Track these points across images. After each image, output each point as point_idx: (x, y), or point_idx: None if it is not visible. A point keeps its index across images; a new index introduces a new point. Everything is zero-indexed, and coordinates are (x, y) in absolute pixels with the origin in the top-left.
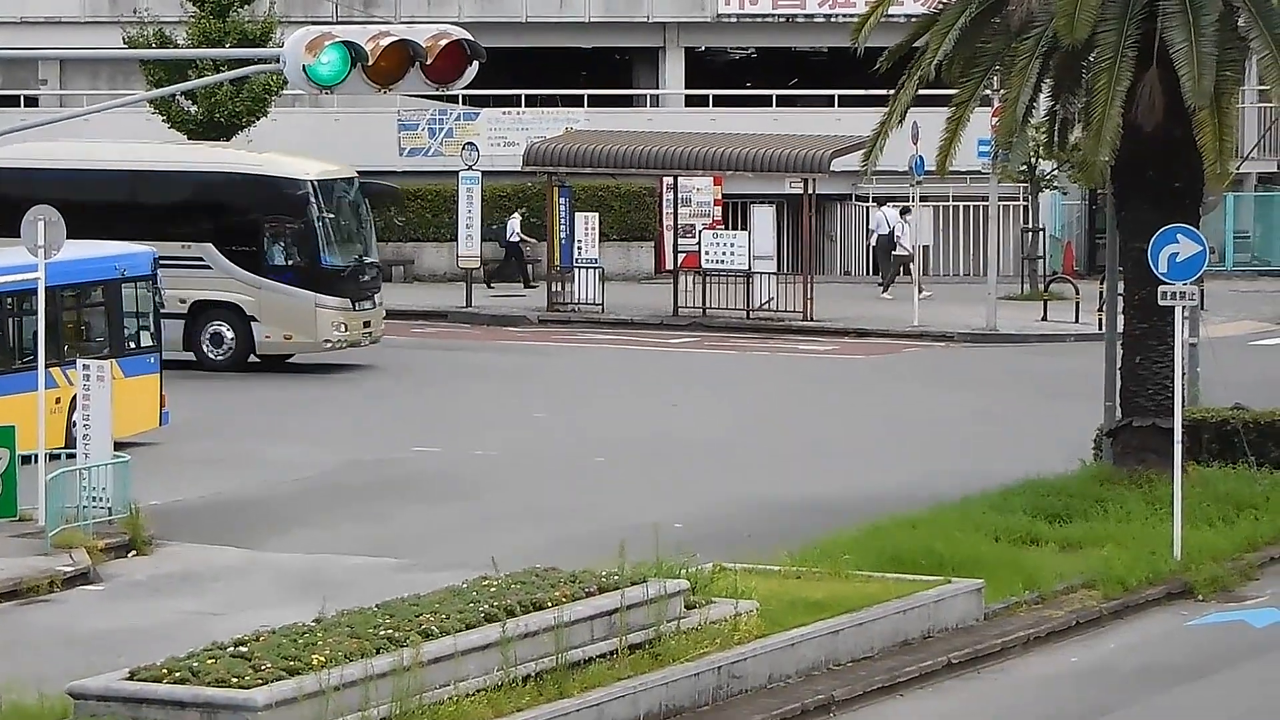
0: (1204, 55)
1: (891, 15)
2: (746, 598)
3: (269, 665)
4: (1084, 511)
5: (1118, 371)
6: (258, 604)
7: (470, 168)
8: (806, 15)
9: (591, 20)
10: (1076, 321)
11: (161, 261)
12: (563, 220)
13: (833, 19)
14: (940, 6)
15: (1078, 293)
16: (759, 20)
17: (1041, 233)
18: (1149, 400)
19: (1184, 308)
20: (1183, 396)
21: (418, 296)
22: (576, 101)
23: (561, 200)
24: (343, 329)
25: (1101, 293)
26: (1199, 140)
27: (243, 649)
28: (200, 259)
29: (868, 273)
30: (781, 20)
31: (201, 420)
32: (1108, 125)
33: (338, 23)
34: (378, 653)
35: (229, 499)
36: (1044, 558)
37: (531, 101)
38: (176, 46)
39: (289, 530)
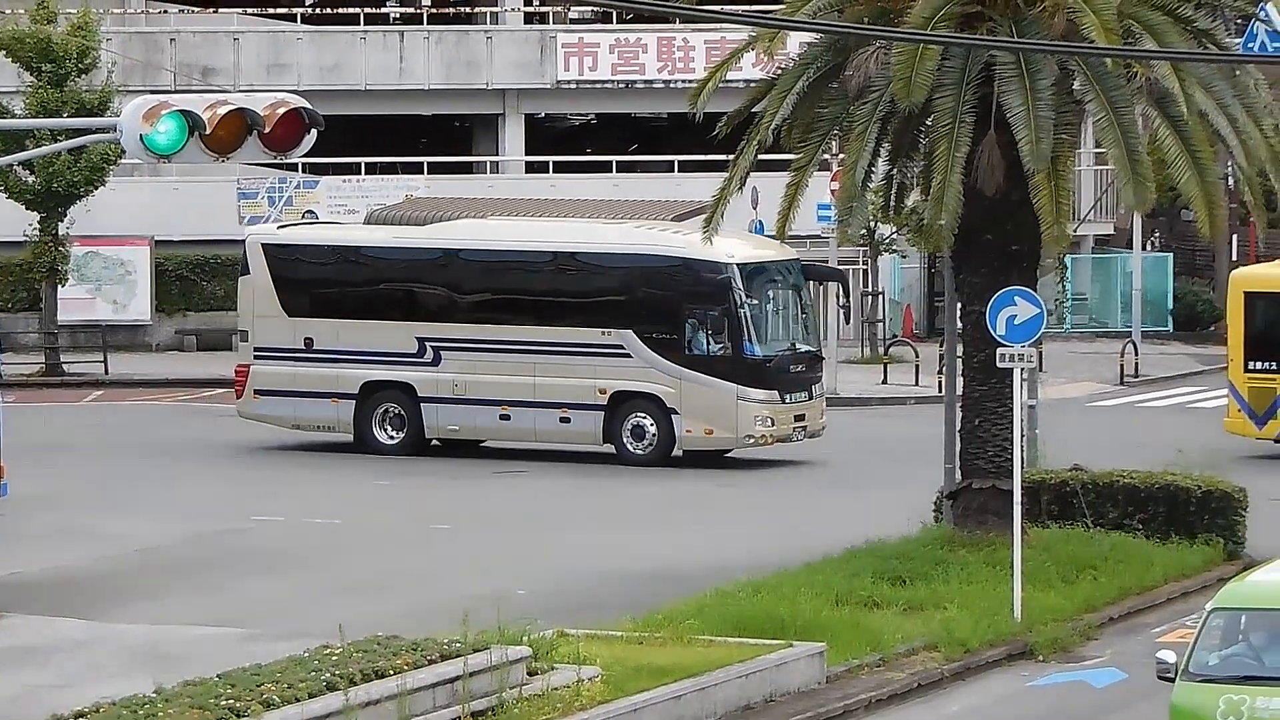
0: (1041, 119)
1: (730, 80)
2: (589, 664)
3: None
4: (925, 574)
5: (957, 434)
6: (99, 676)
7: None
8: (645, 81)
9: (431, 87)
10: (916, 384)
11: (579, 349)
12: None
13: (672, 84)
14: (778, 72)
15: (917, 356)
16: (598, 86)
17: (881, 296)
18: (988, 462)
19: (1022, 370)
20: (1022, 458)
21: None
22: (416, 169)
23: None
24: (768, 423)
25: (941, 355)
26: (1036, 203)
27: None
28: (620, 346)
29: None
30: (621, 86)
31: (38, 493)
32: (949, 191)
33: (175, 91)
34: None
35: (70, 571)
36: (886, 620)
37: (371, 169)
38: (14, 116)
39: (131, 602)
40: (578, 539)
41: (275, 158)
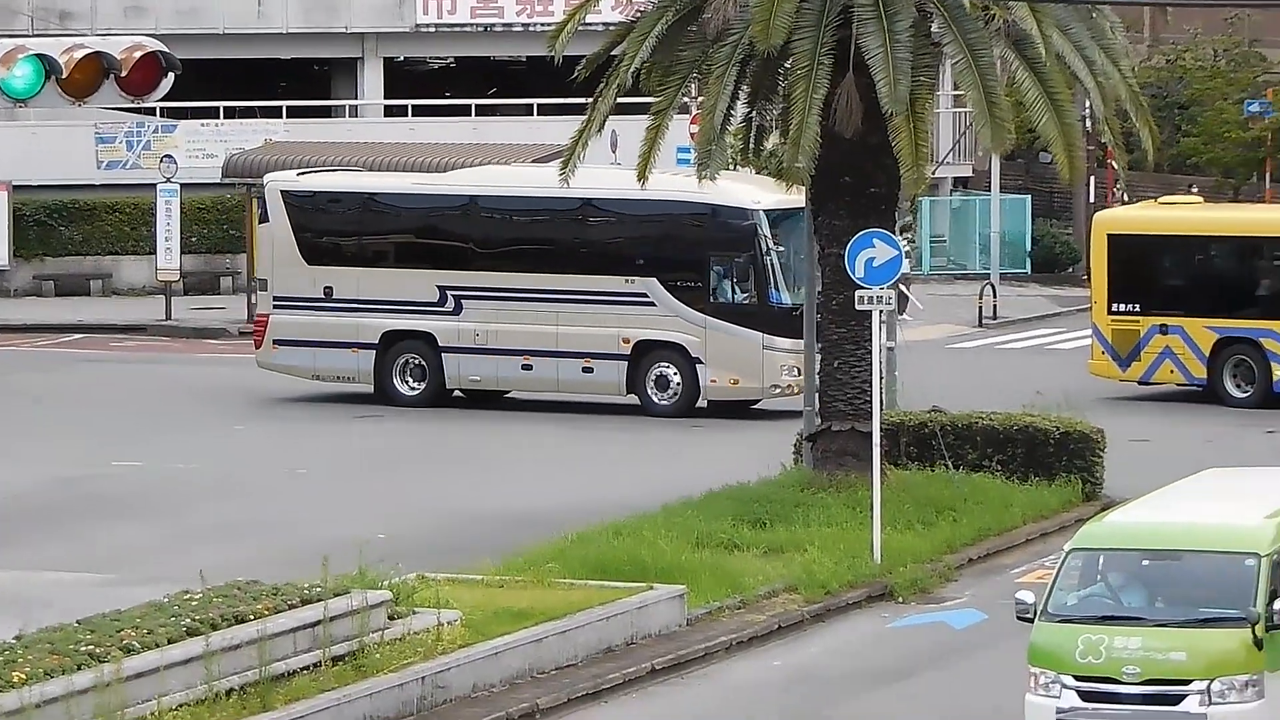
0: (899, 61)
1: (589, 23)
2: (450, 608)
3: None
4: (785, 516)
5: (816, 376)
6: None
7: (169, 180)
8: (505, 24)
9: (290, 31)
10: None
11: (602, 297)
12: None
13: (531, 28)
14: (637, 14)
15: None
16: (457, 30)
17: None
18: (848, 405)
19: (881, 312)
20: (881, 400)
21: (117, 310)
22: (275, 113)
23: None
24: (794, 373)
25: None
26: (895, 145)
27: None
28: (644, 295)
29: None
30: (480, 29)
31: None
32: (806, 133)
33: (32, 35)
34: (79, 669)
35: None
36: (747, 563)
37: (230, 113)
38: None
39: None
40: (438, 483)
41: (133, 102)
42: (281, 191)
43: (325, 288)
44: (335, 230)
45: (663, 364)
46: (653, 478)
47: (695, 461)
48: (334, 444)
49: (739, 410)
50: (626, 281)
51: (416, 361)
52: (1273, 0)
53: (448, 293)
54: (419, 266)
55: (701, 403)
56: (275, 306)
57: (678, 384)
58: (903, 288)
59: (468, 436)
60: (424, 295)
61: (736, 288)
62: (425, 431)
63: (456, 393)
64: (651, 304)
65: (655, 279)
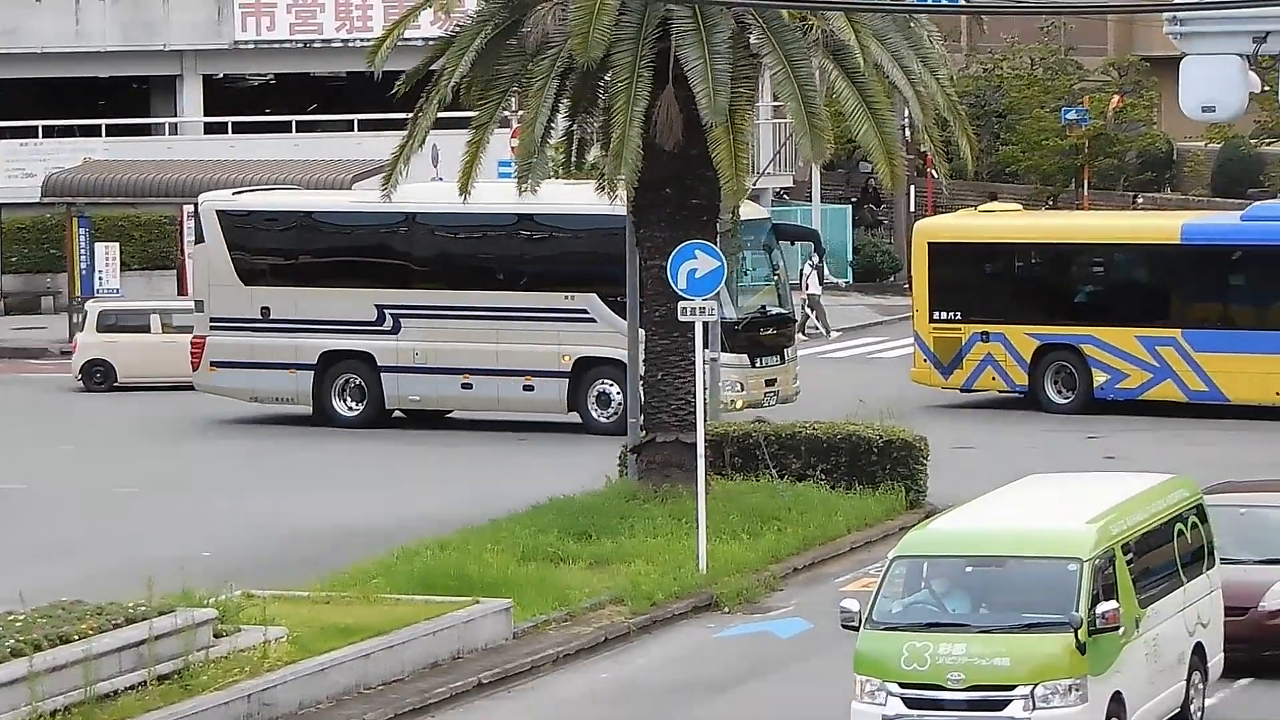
0: (718, 73)
1: (409, 39)
2: (276, 625)
3: None
4: (611, 528)
5: (640, 388)
6: None
7: None
8: (324, 40)
9: (108, 49)
10: None
11: (542, 314)
12: (83, 250)
13: (350, 43)
14: (457, 29)
15: None
16: (276, 46)
17: None
18: (672, 416)
19: (704, 323)
20: (705, 411)
21: None
22: (95, 131)
23: (81, 230)
24: (738, 388)
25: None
26: (715, 156)
27: None
28: (584, 311)
29: None
30: (299, 45)
31: None
32: (628, 145)
33: None
34: None
35: None
36: (573, 576)
37: (49, 132)
38: None
39: None
40: (265, 499)
41: None
42: (217, 211)
43: (262, 308)
44: (272, 249)
45: (604, 380)
46: (489, 492)
47: (537, 474)
48: (160, 462)
49: None
50: (566, 298)
51: (356, 382)
52: (1085, 8)
53: (386, 312)
54: (357, 285)
55: None
56: (212, 328)
57: (619, 401)
58: (808, 310)
59: (297, 453)
60: (362, 314)
61: None
62: (258, 448)
63: (397, 413)
64: (592, 320)
65: (595, 295)
